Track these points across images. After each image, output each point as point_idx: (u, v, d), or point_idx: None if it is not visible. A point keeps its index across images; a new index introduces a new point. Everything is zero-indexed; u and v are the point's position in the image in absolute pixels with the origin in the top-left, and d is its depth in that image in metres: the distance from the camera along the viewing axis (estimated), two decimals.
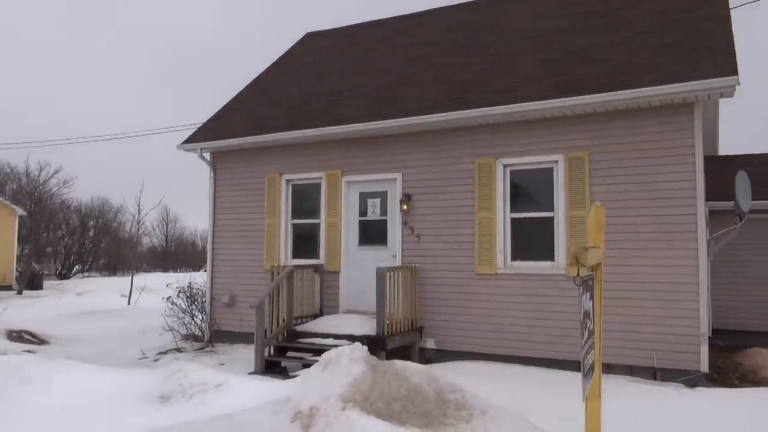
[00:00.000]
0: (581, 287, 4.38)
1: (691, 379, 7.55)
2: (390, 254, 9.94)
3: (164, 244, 59.69)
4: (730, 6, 9.46)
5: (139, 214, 25.18)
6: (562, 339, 8.27)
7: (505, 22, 12.39)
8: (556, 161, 8.73)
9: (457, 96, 9.75)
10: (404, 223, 9.79)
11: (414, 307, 9.29)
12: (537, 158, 8.89)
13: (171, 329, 11.69)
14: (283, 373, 8.53)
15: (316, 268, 10.23)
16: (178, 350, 10.89)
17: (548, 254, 8.74)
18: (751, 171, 9.75)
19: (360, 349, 5.02)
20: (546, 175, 8.86)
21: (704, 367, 7.58)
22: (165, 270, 49.85)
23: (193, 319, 11.82)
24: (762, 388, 7.89)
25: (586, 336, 4.49)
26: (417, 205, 9.71)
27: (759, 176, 10.91)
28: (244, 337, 10.73)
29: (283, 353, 9.06)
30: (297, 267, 9.74)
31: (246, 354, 9.82)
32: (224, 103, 13.34)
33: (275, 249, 10.97)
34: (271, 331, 8.97)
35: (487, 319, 8.97)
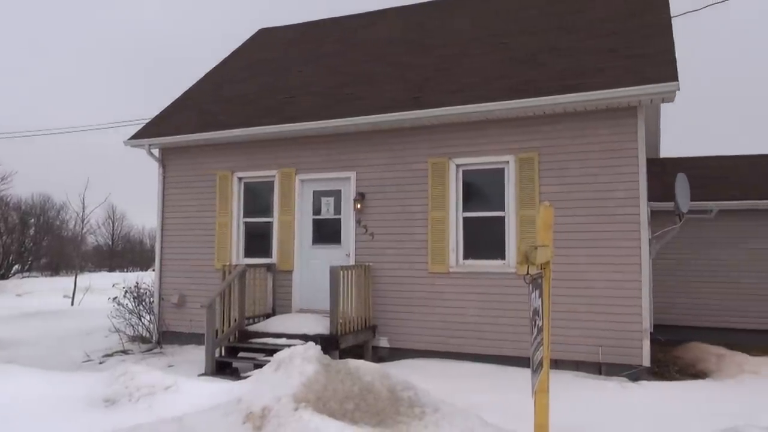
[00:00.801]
0: (531, 285, 4.49)
1: (634, 373, 7.84)
2: (344, 253, 9.93)
3: (110, 243, 57.87)
4: (671, 15, 9.86)
5: (83, 211, 24.34)
6: (513, 336, 8.45)
7: (458, 24, 12.55)
8: (508, 162, 8.91)
9: (411, 96, 9.81)
10: (358, 222, 9.79)
11: (367, 305, 9.31)
12: (489, 158, 9.05)
13: (117, 331, 11.34)
14: (235, 374, 8.41)
15: (269, 267, 10.11)
16: (125, 352, 10.58)
17: (499, 253, 8.90)
18: (690, 173, 10.18)
19: (313, 349, 5.00)
20: (498, 175, 9.03)
21: (646, 361, 7.88)
22: (111, 270, 48.31)
23: (140, 320, 11.50)
24: (700, 381, 8.28)
25: (535, 333, 4.60)
26: (371, 204, 9.73)
27: (697, 179, 11.41)
28: (194, 338, 10.51)
29: (234, 354, 8.92)
30: (249, 266, 9.61)
31: (196, 355, 9.62)
32: (175, 99, 13.02)
33: (227, 248, 10.79)
34: (222, 332, 8.82)
35: (440, 317, 9.07)
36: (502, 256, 8.88)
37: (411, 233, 9.42)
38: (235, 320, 9.06)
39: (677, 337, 11.00)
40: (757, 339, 11.35)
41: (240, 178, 10.93)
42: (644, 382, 7.62)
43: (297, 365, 4.65)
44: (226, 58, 14.58)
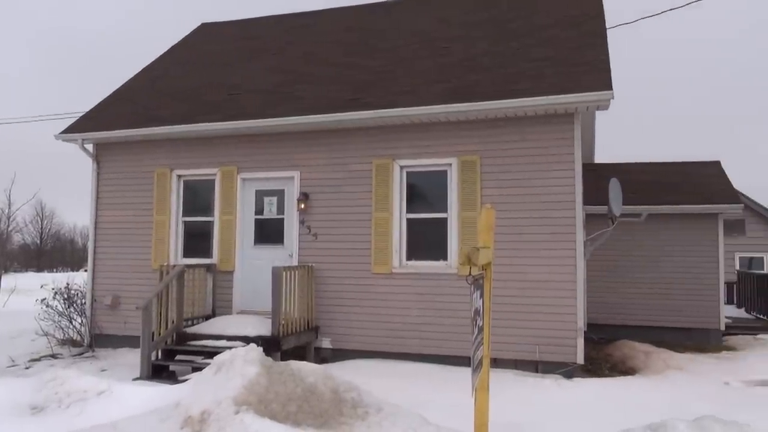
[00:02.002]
0: (472, 286, 4.57)
1: (568, 370, 8.12)
2: (287, 253, 9.83)
3: (39, 242, 55.07)
4: (607, 26, 10.28)
5: (9, 208, 23.02)
6: (455, 336, 8.58)
7: (402, 26, 12.65)
8: (450, 164, 9.05)
9: (355, 96, 9.82)
10: (302, 222, 9.71)
11: (310, 306, 9.24)
12: (432, 160, 9.16)
13: (46, 334, 10.80)
14: (172, 378, 8.16)
15: (209, 268, 9.88)
16: (54, 356, 10.09)
17: (442, 254, 9.03)
18: (623, 179, 10.65)
19: (255, 351, 4.92)
20: (441, 177, 9.16)
21: (580, 359, 8.18)
22: (39, 270, 45.97)
23: (71, 322, 11.00)
24: (629, 377, 8.66)
25: (476, 332, 4.69)
26: (315, 204, 9.67)
27: (629, 183, 11.94)
28: (129, 341, 10.14)
29: (172, 357, 8.67)
30: (188, 266, 9.36)
31: (131, 359, 9.29)
32: (111, 92, 12.53)
33: (164, 247, 10.47)
34: (159, 334, 8.55)
35: (383, 317, 9.11)
36: (445, 257, 9.00)
37: (355, 234, 9.41)
38: (173, 322, 8.81)
39: (609, 335, 11.47)
40: (682, 337, 11.98)
41: (179, 176, 10.63)
42: (578, 379, 7.91)
43: (238, 367, 4.56)
44: (166, 52, 14.16)
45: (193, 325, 9.19)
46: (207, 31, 15.23)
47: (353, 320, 9.26)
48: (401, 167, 9.33)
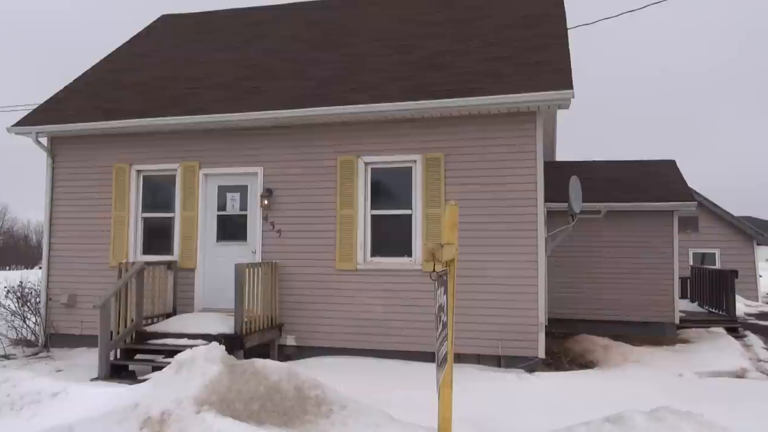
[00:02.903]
0: (436, 282, 4.60)
1: (530, 364, 8.26)
2: (250, 250, 9.71)
3: None
4: (567, 26, 10.45)
5: None
6: (419, 332, 8.62)
7: (365, 23, 12.62)
8: (415, 161, 9.08)
9: (320, 92, 9.75)
10: (265, 219, 9.61)
11: (274, 304, 9.16)
12: (397, 157, 9.18)
13: None
14: (132, 378, 7.98)
15: (170, 265, 9.69)
16: (6, 357, 9.74)
17: (406, 250, 9.06)
18: (583, 177, 10.86)
19: (217, 349, 4.84)
20: (405, 173, 9.18)
21: (541, 353, 8.33)
22: None
23: (24, 322, 10.64)
24: (589, 370, 8.88)
25: (440, 328, 4.73)
26: (278, 201, 9.58)
27: (589, 181, 12.18)
28: (86, 341, 9.86)
29: (131, 356, 8.48)
30: (148, 263, 9.15)
31: (89, 359, 9.03)
32: (67, 84, 12.14)
33: (123, 244, 10.21)
34: (118, 333, 8.35)
35: (348, 314, 9.09)
36: (409, 254, 9.04)
37: (319, 230, 9.36)
38: (132, 321, 8.61)
39: (569, 330, 11.71)
40: (639, 330, 12.31)
41: (139, 171, 10.39)
42: (540, 373, 8.06)
43: (199, 366, 4.48)
44: (125, 44, 13.79)
45: (153, 323, 9.00)
46: (167, 23, 14.89)
47: (318, 317, 9.22)
48: (366, 164, 9.32)
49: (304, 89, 10.00)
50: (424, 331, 8.52)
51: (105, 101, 11.08)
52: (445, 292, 4.75)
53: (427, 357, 7.96)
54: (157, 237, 10.30)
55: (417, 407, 5.49)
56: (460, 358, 7.96)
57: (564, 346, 10.42)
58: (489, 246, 8.59)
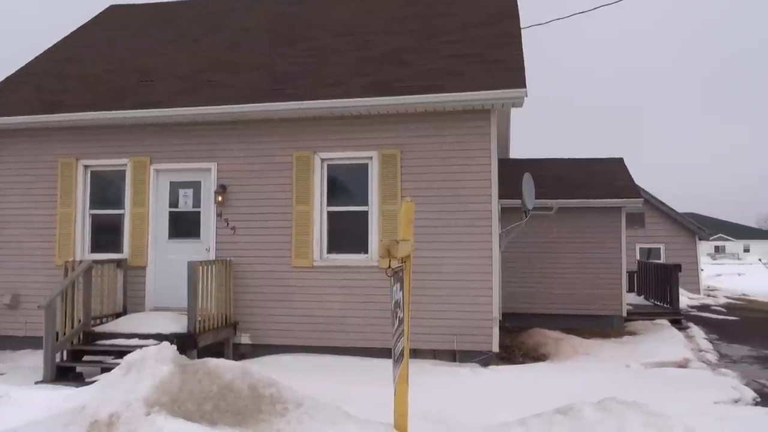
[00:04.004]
0: (392, 278, 4.63)
1: (484, 358, 8.40)
2: (203, 247, 9.52)
3: None
4: (522, 26, 10.64)
5: None
6: (376, 328, 8.64)
7: (324, 18, 12.53)
8: (371, 157, 9.08)
9: (277, 87, 9.64)
10: (219, 215, 9.44)
11: (229, 302, 9.02)
12: (353, 153, 9.16)
13: None
14: (79, 380, 7.72)
15: (119, 263, 9.41)
16: None
17: (363, 247, 9.06)
18: (536, 174, 11.11)
19: (168, 349, 4.73)
20: (362, 170, 9.18)
21: (495, 347, 8.48)
22: None
23: None
24: (541, 363, 9.09)
25: (396, 324, 4.76)
26: (233, 197, 9.43)
27: (542, 179, 12.47)
28: (31, 342, 9.48)
29: (79, 357, 8.21)
30: (97, 262, 8.87)
31: (33, 361, 8.69)
32: (9, 75, 11.62)
33: (70, 242, 9.86)
34: (65, 334, 8.06)
35: (304, 311, 9.03)
36: (366, 250, 9.04)
37: (275, 227, 9.27)
38: (80, 321, 8.33)
39: (523, 324, 11.96)
40: (589, 323, 12.69)
41: (86, 167, 10.04)
42: (494, 367, 8.20)
43: (150, 367, 4.37)
44: (72, 34, 13.30)
45: (102, 323, 8.74)
46: (117, 13, 14.42)
47: (273, 315, 9.13)
48: (322, 160, 9.27)
49: (262, 84, 9.86)
50: (381, 328, 8.55)
51: (50, 93, 10.66)
52: (401, 288, 4.79)
53: (385, 353, 7.96)
54: (106, 234, 9.99)
55: (374, 403, 5.51)
56: (416, 353, 8.04)
57: (518, 340, 10.63)
58: (444, 242, 8.68)
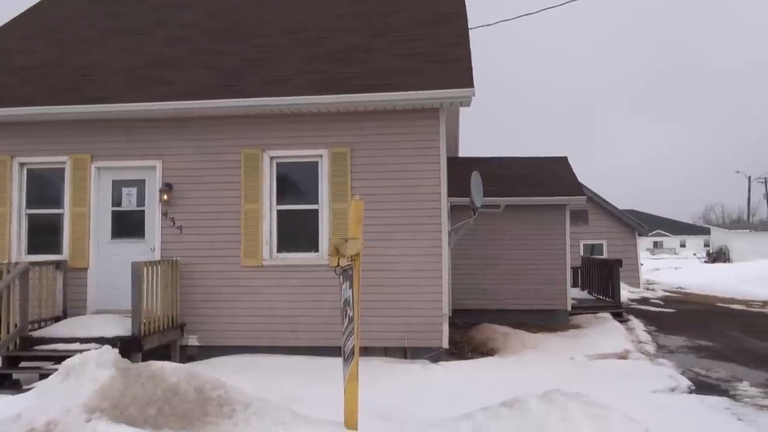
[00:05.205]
0: (342, 276, 4.63)
1: (435, 355, 8.50)
2: (148, 247, 9.27)
3: None
4: (469, 26, 10.80)
5: None
6: (327, 327, 8.59)
7: (274, 14, 12.37)
8: (321, 155, 9.04)
9: (225, 83, 9.47)
10: (165, 215, 9.20)
11: (175, 303, 8.81)
12: (303, 152, 9.10)
13: None
14: (16, 387, 7.39)
15: (59, 265, 9.05)
16: None
17: (313, 246, 9.02)
18: (484, 172, 11.29)
19: (109, 353, 4.59)
20: (312, 168, 9.12)
21: (445, 343, 8.59)
22: None
23: None
24: (490, 358, 9.26)
25: (346, 323, 4.76)
26: (179, 195, 9.21)
27: (490, 177, 12.68)
28: None
29: (16, 364, 7.84)
30: (34, 263, 8.49)
31: None
32: None
33: (5, 243, 9.41)
34: (0, 339, 7.69)
35: (254, 311, 8.92)
36: (316, 249, 9.00)
37: (223, 226, 9.11)
38: (17, 326, 7.96)
39: (472, 319, 12.15)
40: (536, 318, 13.00)
41: (22, 164, 9.60)
42: (444, 363, 8.31)
43: (90, 372, 4.22)
44: (8, 23, 12.68)
45: (41, 327, 8.38)
46: (56, 4, 13.83)
47: (222, 315, 8.97)
48: (271, 158, 9.17)
49: (209, 80, 9.66)
50: (332, 326, 8.51)
51: None
52: (351, 286, 4.79)
53: (337, 352, 7.90)
54: (44, 235, 9.58)
55: (326, 402, 5.50)
56: (367, 351, 8.06)
57: (467, 336, 10.80)
58: (394, 240, 8.72)
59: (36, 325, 8.37)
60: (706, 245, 53.39)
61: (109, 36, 11.96)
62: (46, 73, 10.49)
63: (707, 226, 58.55)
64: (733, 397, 7.05)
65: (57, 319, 8.75)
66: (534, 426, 4.42)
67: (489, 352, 9.77)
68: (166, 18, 12.66)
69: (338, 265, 4.39)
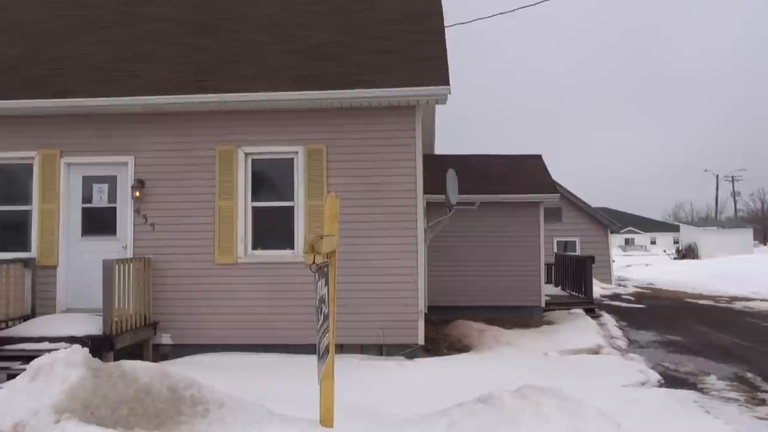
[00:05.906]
0: (317, 274, 4.62)
1: (410, 351, 8.53)
2: (120, 245, 9.11)
3: None
4: (445, 24, 10.83)
5: None
6: (303, 324, 8.54)
7: (250, 10, 12.23)
8: (297, 152, 8.99)
9: (199, 79, 9.34)
10: (137, 212, 9.06)
11: (148, 301, 8.68)
12: (279, 148, 9.04)
13: None
14: None
15: (27, 263, 8.84)
16: None
17: (289, 243, 8.97)
18: (460, 169, 11.36)
19: (79, 352, 4.50)
20: (287, 165, 9.07)
21: (421, 340, 8.63)
22: None
23: None
24: (465, 354, 9.32)
25: (321, 320, 4.75)
26: (152, 192, 9.07)
27: (465, 174, 12.74)
28: None
29: None
30: (0, 261, 8.29)
31: None
32: None
33: None
34: None
35: (228, 309, 8.83)
36: (292, 246, 8.95)
37: (196, 223, 8.99)
38: None
39: (448, 316, 12.21)
40: (511, 314, 13.13)
41: None
42: (419, 359, 8.34)
43: (59, 372, 4.13)
44: None
45: (9, 327, 8.18)
46: None
47: (196, 313, 8.87)
48: (246, 154, 9.08)
49: (182, 75, 9.52)
50: (308, 324, 8.42)
51: None
52: (326, 283, 4.78)
53: (312, 349, 7.87)
54: (11, 232, 9.36)
55: (301, 400, 5.48)
56: (343, 348, 8.04)
57: (442, 332, 10.86)
58: (370, 237, 8.72)
59: (3, 325, 8.17)
60: (676, 242, 54.53)
61: (80, 29, 11.69)
62: (14, 66, 10.23)
63: (677, 223, 59.82)
64: (701, 390, 7.22)
65: (25, 318, 8.56)
66: (508, 421, 4.47)
67: (464, 348, 9.83)
68: (138, 12, 12.43)
69: (314, 262, 4.38)
